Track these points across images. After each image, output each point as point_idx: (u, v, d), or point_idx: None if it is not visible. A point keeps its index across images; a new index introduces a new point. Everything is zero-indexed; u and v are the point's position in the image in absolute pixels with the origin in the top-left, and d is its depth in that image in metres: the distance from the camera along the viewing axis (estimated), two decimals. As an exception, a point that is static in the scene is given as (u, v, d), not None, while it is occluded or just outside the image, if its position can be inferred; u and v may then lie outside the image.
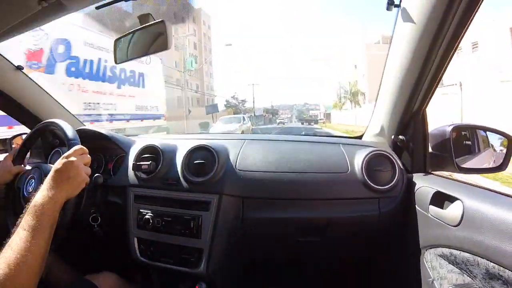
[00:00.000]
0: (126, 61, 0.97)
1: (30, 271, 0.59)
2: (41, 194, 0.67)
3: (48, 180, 0.70)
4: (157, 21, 0.88)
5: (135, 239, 0.96)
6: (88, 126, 1.16)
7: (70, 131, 0.85)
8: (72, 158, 0.73)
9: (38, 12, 0.78)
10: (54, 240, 0.73)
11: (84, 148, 0.79)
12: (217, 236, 0.90)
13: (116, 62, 0.97)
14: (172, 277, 0.97)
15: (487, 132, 0.98)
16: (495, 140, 0.97)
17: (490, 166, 0.94)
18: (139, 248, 0.96)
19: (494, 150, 0.96)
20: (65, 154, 0.74)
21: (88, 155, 0.79)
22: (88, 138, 0.97)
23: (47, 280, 0.95)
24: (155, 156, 0.99)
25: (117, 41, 0.97)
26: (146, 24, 0.90)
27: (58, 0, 0.77)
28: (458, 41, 0.75)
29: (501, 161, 0.90)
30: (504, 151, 0.91)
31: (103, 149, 1.16)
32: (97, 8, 0.89)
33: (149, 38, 0.91)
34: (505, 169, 0.91)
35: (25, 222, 0.63)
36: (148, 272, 1.00)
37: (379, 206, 0.91)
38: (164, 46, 0.86)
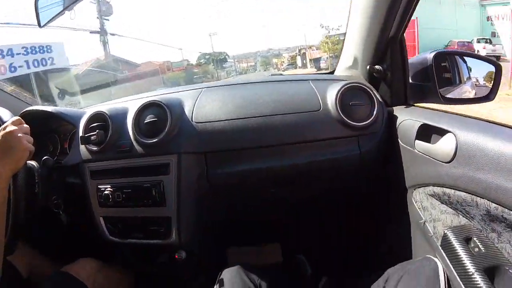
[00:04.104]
0: (51, 20, 0.83)
1: None
2: None
3: None
4: None
5: (101, 219, 0.89)
6: (34, 107, 1.04)
7: (6, 114, 0.80)
8: (10, 128, 0.69)
9: None
10: (14, 227, 0.69)
11: (21, 119, 0.74)
12: (183, 201, 0.82)
13: (40, 26, 0.84)
14: (149, 251, 0.91)
15: (471, 59, 0.90)
16: (478, 74, 0.88)
17: (478, 95, 0.86)
18: (107, 228, 0.89)
19: (477, 84, 0.88)
20: (2, 127, 0.70)
21: (26, 125, 0.74)
22: (36, 119, 0.90)
23: (30, 280, 0.92)
24: (104, 124, 0.89)
25: (37, 1, 0.82)
26: None
27: None
28: None
29: (489, 89, 0.82)
30: (489, 86, 0.83)
31: (56, 128, 1.06)
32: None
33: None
34: (493, 99, 0.83)
35: None
36: (122, 250, 0.94)
37: (358, 144, 0.83)
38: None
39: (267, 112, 0.84)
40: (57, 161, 0.93)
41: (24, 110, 1.00)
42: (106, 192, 0.85)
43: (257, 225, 1.13)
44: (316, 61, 22.98)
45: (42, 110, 0.99)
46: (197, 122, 0.85)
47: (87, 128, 0.90)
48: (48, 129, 1.07)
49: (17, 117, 0.74)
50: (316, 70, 19.90)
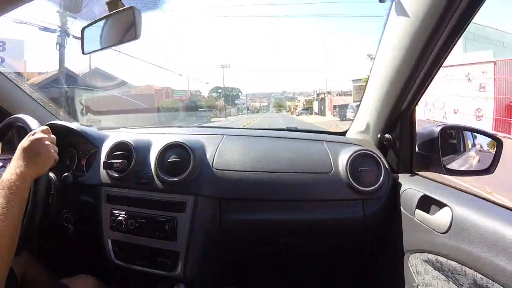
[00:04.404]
0: (95, 51, 0.89)
1: None
2: (9, 172, 0.65)
3: (15, 158, 0.69)
4: (126, 7, 0.80)
5: (109, 241, 0.92)
6: (58, 121, 1.08)
7: (34, 124, 0.84)
8: (38, 135, 0.72)
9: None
10: (26, 235, 0.72)
11: (49, 128, 0.79)
12: (193, 239, 0.86)
13: (83, 53, 0.89)
14: (150, 279, 0.93)
15: (474, 134, 0.98)
16: (482, 141, 0.96)
17: (478, 168, 0.93)
18: (113, 250, 0.92)
19: (481, 150, 0.96)
20: (31, 132, 0.74)
21: (53, 136, 0.78)
22: (58, 132, 0.92)
23: (23, 281, 0.93)
24: (128, 153, 0.93)
25: (84, 29, 0.88)
26: (114, 11, 0.82)
27: None
28: (456, 39, 0.69)
29: (489, 163, 0.89)
30: (492, 152, 0.89)
31: (76, 144, 1.10)
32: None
33: (118, 26, 0.83)
34: (493, 172, 0.90)
35: None
36: (124, 275, 0.97)
37: (363, 208, 0.88)
38: (132, 36, 0.79)
39: (281, 169, 0.90)
40: (74, 177, 0.96)
41: (50, 122, 1.05)
42: (120, 218, 0.88)
43: (260, 270, 1.16)
44: (341, 108, 18.46)
45: (66, 126, 1.04)
46: (216, 169, 0.91)
47: (110, 154, 0.94)
48: (67, 144, 1.10)
49: (46, 127, 0.78)
50: (339, 119, 17.26)
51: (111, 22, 0.85)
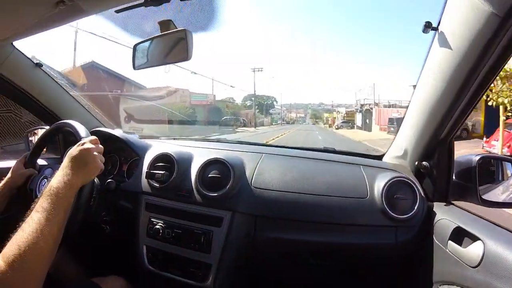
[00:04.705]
0: (144, 67, 0.94)
1: (40, 254, 0.58)
2: (57, 179, 0.67)
3: (63, 166, 0.71)
4: (178, 29, 0.85)
5: (144, 247, 0.97)
6: (104, 128, 1.15)
7: (83, 131, 0.86)
8: (87, 146, 0.75)
9: (56, 13, 0.78)
10: (65, 235, 0.73)
11: (97, 139, 0.81)
12: (226, 253, 0.89)
13: (134, 68, 0.95)
14: (178, 287, 0.97)
15: None
16: None
17: None
18: (147, 256, 0.96)
19: None
20: (80, 142, 0.77)
21: (101, 146, 0.80)
22: (102, 138, 0.95)
23: (54, 276, 0.95)
24: (169, 165, 0.98)
25: (136, 46, 0.94)
26: (167, 32, 0.87)
27: (76, 2, 0.75)
28: (498, 71, 0.69)
29: None
30: None
31: (118, 150, 1.16)
32: (117, 12, 0.87)
33: (169, 46, 0.88)
34: None
35: (39, 205, 0.63)
36: (155, 281, 1.01)
37: (396, 235, 0.88)
38: (184, 57, 0.83)
39: (318, 191, 0.92)
40: (116, 183, 1.01)
41: (96, 129, 1.12)
42: (157, 226, 0.93)
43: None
44: (400, 122, 13.45)
45: (111, 133, 1.10)
46: (255, 187, 0.94)
47: (153, 165, 0.99)
48: (110, 150, 1.16)
49: (95, 137, 0.81)
50: (394, 134, 15.06)
51: (162, 41, 0.90)
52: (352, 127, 28.92)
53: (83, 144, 0.75)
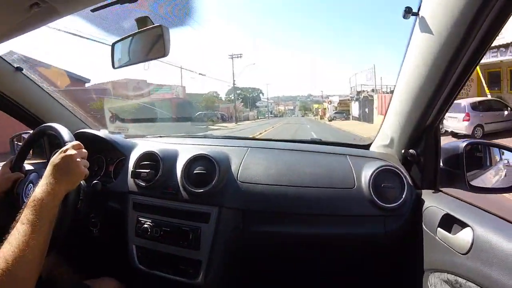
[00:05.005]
0: (123, 66, 0.93)
1: (29, 266, 0.59)
2: (40, 189, 0.66)
3: (46, 175, 0.69)
4: (154, 25, 0.83)
5: (134, 247, 0.97)
6: (88, 129, 1.14)
7: (66, 134, 0.85)
8: (70, 152, 0.73)
9: (31, 17, 0.76)
10: (53, 241, 0.73)
11: (80, 143, 0.79)
12: (216, 248, 0.89)
13: (113, 67, 0.93)
14: (170, 286, 0.97)
15: (502, 150, 0.95)
16: (510, 157, 0.93)
17: (503, 185, 0.90)
18: (137, 256, 0.96)
19: (508, 165, 0.93)
20: (63, 149, 0.75)
21: (85, 150, 0.79)
22: (87, 140, 0.96)
23: (47, 280, 0.96)
24: (155, 163, 0.97)
25: (114, 45, 0.92)
26: (144, 28, 0.85)
27: (50, 4, 0.73)
28: (482, 55, 0.68)
29: None
30: None
31: (104, 151, 1.15)
32: (93, 11, 0.85)
33: (147, 43, 0.87)
34: None
35: (24, 216, 0.63)
36: (147, 280, 1.01)
37: (384, 224, 0.88)
38: (161, 53, 0.82)
39: (304, 183, 0.92)
40: (102, 184, 1.00)
41: (80, 130, 1.10)
42: (145, 225, 0.92)
43: (277, 284, 1.18)
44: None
45: (95, 134, 1.09)
46: (241, 181, 0.93)
47: (138, 164, 0.98)
48: (96, 151, 1.15)
49: (77, 142, 0.79)
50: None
51: (139, 39, 0.88)
52: (347, 118, 26.02)
53: (65, 151, 0.74)
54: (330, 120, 27.17)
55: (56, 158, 0.72)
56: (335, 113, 29.54)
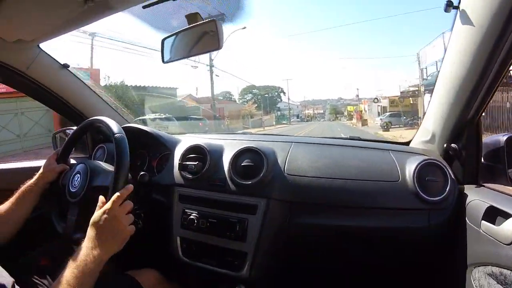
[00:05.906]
0: (174, 60, 0.96)
1: None
2: (84, 252, 0.65)
3: (91, 237, 0.67)
4: (207, 20, 0.87)
5: (178, 238, 0.98)
6: (135, 124, 1.17)
7: (115, 126, 0.85)
8: (113, 212, 0.70)
9: (84, 12, 0.78)
10: None
11: (123, 193, 0.74)
12: (262, 240, 0.90)
13: (163, 62, 0.97)
14: (211, 278, 0.98)
15: None
16: None
17: None
18: (181, 247, 0.98)
19: None
20: (104, 208, 0.70)
21: (130, 201, 0.75)
22: (132, 135, 0.97)
23: None
24: (201, 156, 0.99)
25: (164, 40, 0.96)
26: (196, 24, 0.89)
27: None
28: None
29: None
30: None
31: (148, 146, 1.18)
32: (144, 7, 0.89)
33: (198, 37, 0.90)
34: None
35: (65, 277, 0.61)
36: (189, 271, 1.02)
37: (428, 218, 0.88)
38: (215, 46, 0.86)
39: (350, 176, 0.93)
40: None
41: (128, 125, 1.13)
42: (191, 217, 0.94)
43: (319, 278, 1.18)
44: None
45: (142, 129, 1.12)
46: (288, 174, 0.94)
47: (185, 157, 1.01)
48: (140, 145, 1.18)
49: (119, 195, 0.72)
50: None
51: (190, 34, 0.92)
52: (414, 124, 15.27)
53: (108, 212, 0.69)
54: (385, 129, 16.63)
55: (98, 217, 0.69)
56: (390, 115, 18.61)
